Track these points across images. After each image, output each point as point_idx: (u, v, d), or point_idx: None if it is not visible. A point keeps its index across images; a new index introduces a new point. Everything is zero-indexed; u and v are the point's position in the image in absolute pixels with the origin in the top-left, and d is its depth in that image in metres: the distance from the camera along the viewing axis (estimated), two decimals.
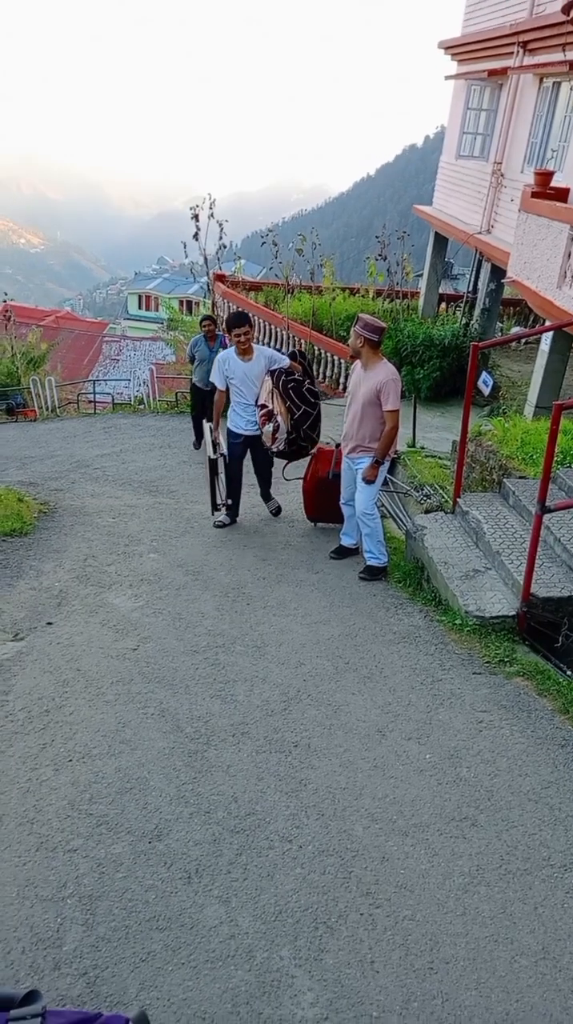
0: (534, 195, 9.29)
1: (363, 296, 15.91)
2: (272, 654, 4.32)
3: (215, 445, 6.54)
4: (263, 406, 6.15)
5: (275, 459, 6.62)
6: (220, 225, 13.85)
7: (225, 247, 14.59)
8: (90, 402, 17.53)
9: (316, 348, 13.56)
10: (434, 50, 15.54)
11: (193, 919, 2.54)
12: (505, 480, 5.94)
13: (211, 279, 15.52)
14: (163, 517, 6.70)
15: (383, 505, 6.75)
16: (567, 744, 3.55)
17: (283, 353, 6.46)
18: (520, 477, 5.96)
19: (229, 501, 6.54)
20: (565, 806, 3.15)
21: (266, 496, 6.89)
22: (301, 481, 6.54)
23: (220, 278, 15.97)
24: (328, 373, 13.32)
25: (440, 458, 8.20)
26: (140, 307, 52.07)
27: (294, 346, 13.97)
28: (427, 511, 6.29)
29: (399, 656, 4.36)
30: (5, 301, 19.33)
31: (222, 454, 6.47)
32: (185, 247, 13.93)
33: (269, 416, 6.09)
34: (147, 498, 7.52)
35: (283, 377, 6.11)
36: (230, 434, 6.39)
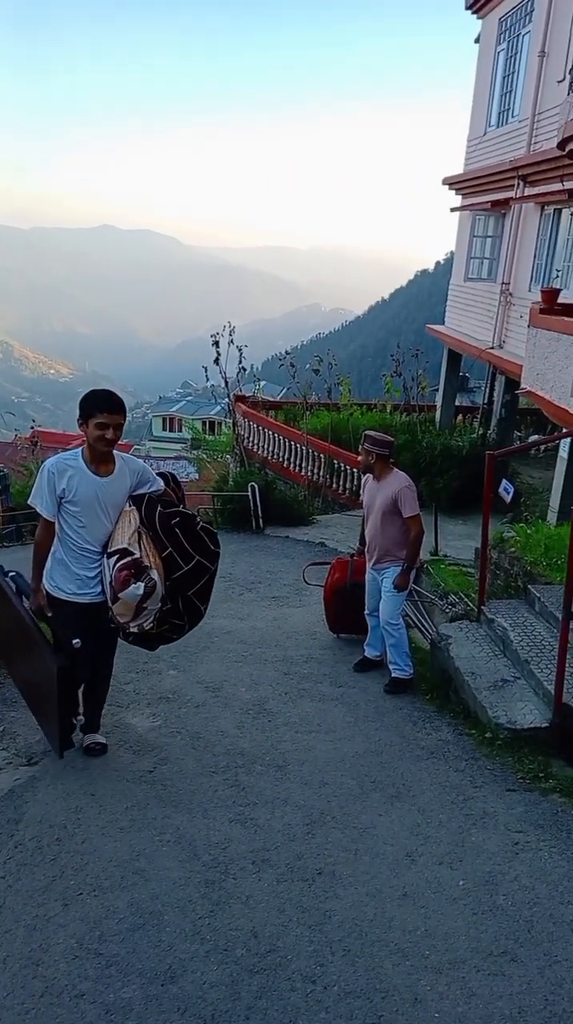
0: (542, 311, 9.65)
1: (381, 411, 16.33)
2: (294, 773, 4.14)
3: (62, 641, 3.92)
4: (123, 554, 3.74)
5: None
6: (240, 350, 14.49)
7: (245, 370, 15.20)
8: None
9: (335, 462, 13.81)
10: (440, 184, 16.59)
11: None
12: (530, 587, 5.84)
13: (232, 400, 16.07)
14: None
15: (408, 615, 6.64)
16: None
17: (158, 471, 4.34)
18: (545, 583, 5.86)
19: (80, 718, 4.33)
20: None
21: (93, 724, 4.31)
22: (322, 590, 6.49)
23: (241, 399, 16.53)
24: (347, 485, 13.49)
25: (464, 566, 8.13)
26: (164, 428, 53.90)
27: (312, 463, 14.25)
28: (452, 620, 6.17)
29: (428, 773, 4.16)
30: (33, 428, 20.07)
31: (74, 646, 3.87)
32: (206, 371, 14.53)
33: (136, 570, 3.69)
34: None
35: (160, 508, 3.93)
36: (52, 603, 3.92)
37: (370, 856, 3.40)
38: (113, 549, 3.80)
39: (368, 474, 5.61)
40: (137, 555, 3.75)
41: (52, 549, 3.92)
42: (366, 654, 5.77)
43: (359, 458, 5.58)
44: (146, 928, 2.91)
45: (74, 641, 3.83)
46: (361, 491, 5.82)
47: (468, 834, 3.58)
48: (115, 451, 3.93)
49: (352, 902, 3.09)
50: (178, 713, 4.87)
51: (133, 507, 3.98)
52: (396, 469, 5.51)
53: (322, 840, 3.51)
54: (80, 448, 3.92)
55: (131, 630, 3.86)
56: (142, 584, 3.68)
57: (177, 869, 3.27)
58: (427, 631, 6.43)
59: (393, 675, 5.37)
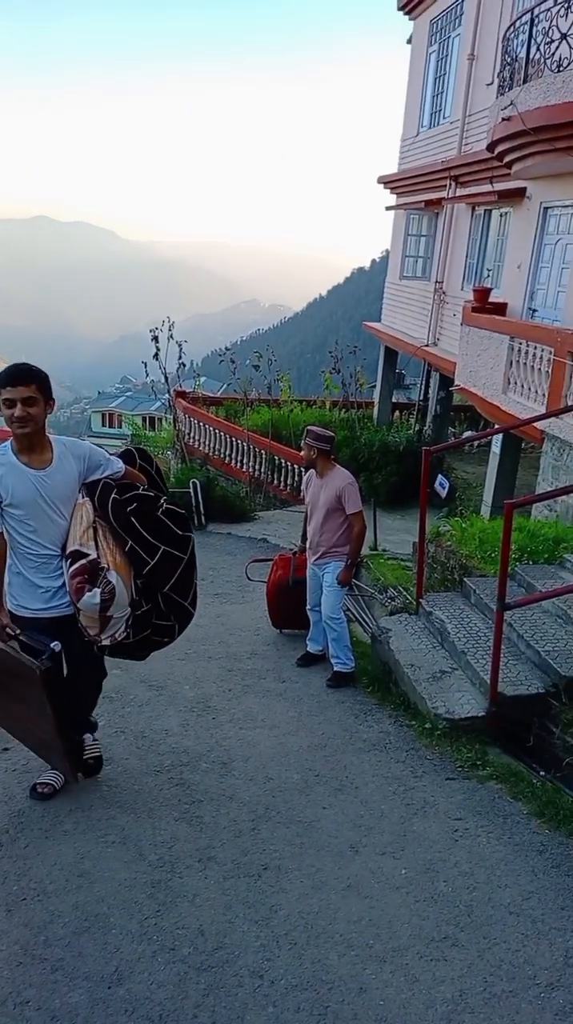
0: (474, 310, 9.88)
1: (320, 407, 16.46)
2: (239, 770, 4.16)
3: (42, 651, 3.28)
4: (75, 557, 3.28)
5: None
6: (179, 345, 14.41)
7: (185, 365, 15.13)
8: None
9: (276, 458, 13.86)
10: (375, 184, 16.78)
11: None
12: (465, 579, 5.99)
13: (172, 396, 15.96)
14: None
15: (349, 609, 6.73)
16: (544, 850, 3.43)
17: (117, 453, 3.75)
18: (480, 576, 6.02)
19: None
20: (547, 918, 3.01)
21: (80, 731, 3.85)
22: (264, 586, 6.52)
23: (181, 395, 16.44)
24: (288, 481, 13.57)
25: (402, 560, 8.28)
26: (104, 424, 53.04)
27: (253, 459, 14.27)
28: (392, 613, 6.28)
29: (370, 765, 4.23)
30: None
31: (53, 649, 3.28)
32: (146, 367, 14.40)
33: (90, 575, 3.24)
34: None
35: (115, 495, 3.40)
36: (18, 623, 3.39)
37: (315, 849, 3.45)
38: (68, 552, 3.33)
39: (310, 471, 5.66)
40: (92, 556, 3.28)
41: (8, 563, 3.41)
42: (309, 649, 5.83)
43: (302, 453, 5.63)
44: (92, 931, 2.90)
45: (52, 644, 3.27)
46: (303, 488, 5.86)
47: (410, 823, 3.66)
48: (53, 436, 3.39)
49: (298, 895, 3.13)
50: (121, 712, 4.83)
51: (86, 498, 3.44)
52: (338, 466, 5.58)
53: (267, 835, 3.55)
54: (9, 441, 3.33)
55: (103, 643, 3.40)
56: (98, 591, 3.23)
57: (123, 870, 3.25)
58: (367, 625, 6.53)
59: (335, 669, 5.45)
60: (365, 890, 3.17)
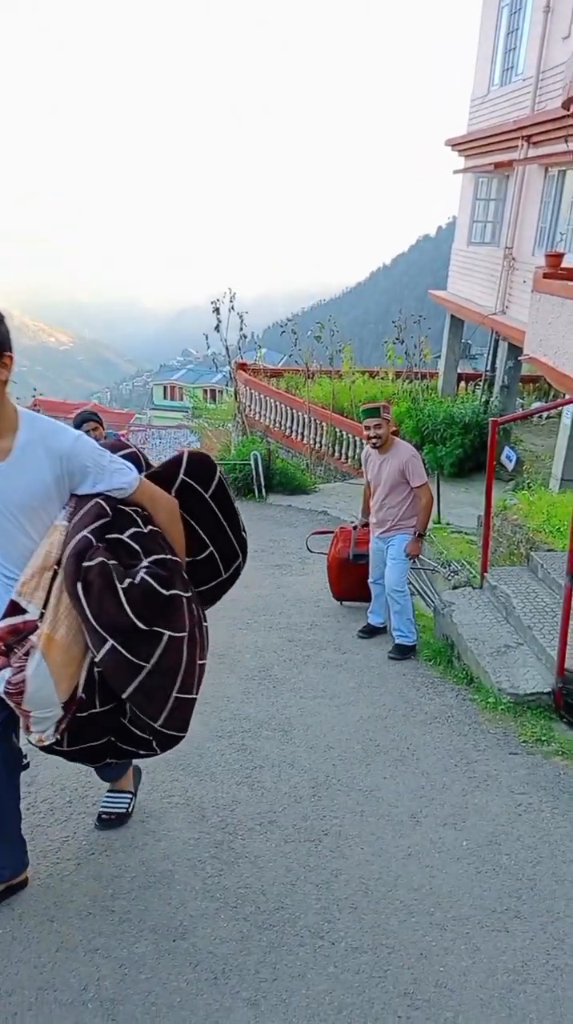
0: (546, 276, 9.54)
1: (382, 378, 16.24)
2: (300, 738, 4.20)
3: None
4: (14, 609, 2.38)
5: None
6: (241, 317, 14.38)
7: (246, 338, 15.11)
8: None
9: (338, 430, 13.77)
10: (442, 146, 16.31)
11: None
12: (533, 553, 5.87)
13: (233, 368, 15.99)
14: None
15: (410, 583, 6.68)
16: None
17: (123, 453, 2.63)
18: (548, 550, 5.89)
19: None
20: None
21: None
22: (325, 558, 6.51)
23: (242, 367, 16.45)
24: (349, 453, 13.48)
25: (466, 533, 8.17)
26: (165, 397, 53.65)
27: (314, 431, 14.19)
28: (455, 587, 6.21)
29: (432, 737, 4.22)
30: (35, 396, 20.00)
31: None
32: (207, 339, 14.44)
33: (10, 643, 2.37)
34: None
35: (91, 533, 2.36)
36: None
37: (375, 818, 3.46)
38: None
39: (370, 448, 5.59)
40: (30, 617, 2.35)
41: None
42: (370, 621, 5.82)
43: (369, 433, 5.45)
44: (157, 886, 2.98)
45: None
46: (363, 463, 5.80)
47: (471, 796, 3.64)
48: (25, 413, 2.36)
49: (358, 862, 3.15)
50: None
51: (64, 522, 2.40)
52: (398, 439, 5.52)
53: (328, 802, 3.58)
54: None
55: (30, 740, 2.51)
56: (6, 672, 2.35)
57: (186, 830, 3.33)
58: (430, 599, 6.48)
59: (397, 641, 5.42)
60: (426, 859, 3.17)
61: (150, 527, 2.52)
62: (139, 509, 2.51)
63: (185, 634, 2.56)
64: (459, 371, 16.73)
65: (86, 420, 5.45)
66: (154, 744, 2.70)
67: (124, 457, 2.57)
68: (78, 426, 4.89)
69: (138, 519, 2.50)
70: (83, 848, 3.20)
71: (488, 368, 14.72)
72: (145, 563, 2.43)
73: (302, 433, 14.60)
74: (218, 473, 2.77)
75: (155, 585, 2.40)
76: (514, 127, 12.52)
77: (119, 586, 2.33)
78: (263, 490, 11.22)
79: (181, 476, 2.68)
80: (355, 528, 6.27)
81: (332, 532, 6.66)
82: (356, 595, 6.22)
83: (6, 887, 2.84)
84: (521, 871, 3.10)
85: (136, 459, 2.64)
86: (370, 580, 5.80)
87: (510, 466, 10.01)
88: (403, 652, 5.36)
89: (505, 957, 2.66)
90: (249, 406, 15.98)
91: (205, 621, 2.86)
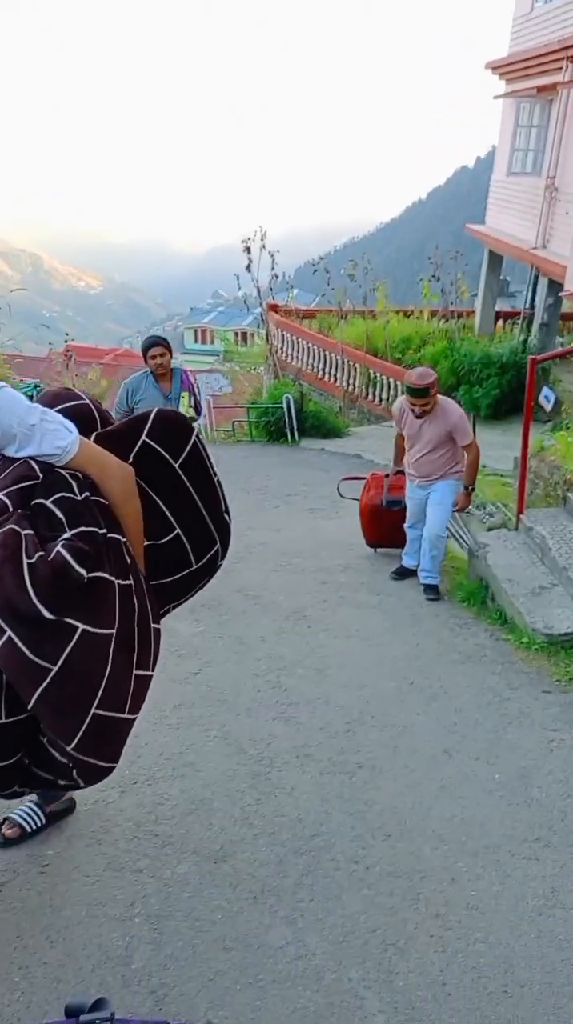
0: None
1: (418, 318, 15.89)
2: (334, 676, 4.28)
3: None
4: None
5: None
6: (272, 256, 14.08)
7: (277, 278, 14.81)
8: None
9: (371, 372, 13.58)
10: (481, 71, 15.58)
11: (260, 940, 2.52)
12: (569, 494, 5.81)
13: (265, 310, 15.76)
14: None
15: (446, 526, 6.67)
16: None
17: (67, 409, 2.19)
18: None
19: None
20: None
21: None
22: (357, 504, 6.51)
23: (273, 308, 16.19)
24: (384, 396, 13.30)
25: (502, 475, 8.09)
26: (196, 341, 53.18)
27: (347, 374, 13.99)
28: (490, 529, 6.20)
29: (464, 676, 4.27)
30: (67, 342, 19.99)
31: None
32: (238, 280, 14.21)
33: None
34: None
35: (25, 522, 1.95)
36: None
37: (408, 752, 3.55)
38: None
39: (401, 399, 5.46)
40: None
41: None
42: (404, 563, 5.84)
43: (416, 411, 5.18)
44: (198, 813, 3.11)
45: None
46: (397, 417, 5.55)
47: (504, 732, 3.70)
48: None
49: (391, 793, 3.25)
50: (219, 619, 5.03)
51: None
52: (441, 398, 5.33)
53: (362, 738, 3.67)
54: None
55: None
56: None
57: (225, 762, 3.46)
58: (464, 541, 6.46)
59: (425, 582, 5.45)
60: (458, 791, 3.26)
61: (87, 495, 2.05)
62: (80, 475, 2.07)
63: (111, 632, 2.02)
64: (497, 309, 16.27)
65: (154, 344, 5.08)
66: (74, 773, 2.15)
67: (70, 412, 2.13)
68: (145, 350, 4.65)
69: (74, 484, 2.04)
70: (126, 778, 3.34)
71: (527, 305, 14.30)
72: (67, 535, 1.94)
73: (335, 375, 14.43)
74: (193, 437, 2.32)
75: (72, 562, 1.89)
76: (559, 47, 11.86)
77: (26, 560, 1.86)
78: (296, 434, 11.18)
79: (143, 438, 2.23)
80: (387, 476, 6.22)
81: (363, 478, 6.62)
82: (390, 541, 6.22)
83: (51, 812, 2.96)
84: (552, 804, 3.17)
85: (85, 414, 2.21)
86: (407, 525, 5.78)
87: (548, 406, 9.79)
88: (438, 592, 5.40)
89: (535, 883, 2.75)
90: (281, 348, 15.79)
91: (156, 623, 2.32)
